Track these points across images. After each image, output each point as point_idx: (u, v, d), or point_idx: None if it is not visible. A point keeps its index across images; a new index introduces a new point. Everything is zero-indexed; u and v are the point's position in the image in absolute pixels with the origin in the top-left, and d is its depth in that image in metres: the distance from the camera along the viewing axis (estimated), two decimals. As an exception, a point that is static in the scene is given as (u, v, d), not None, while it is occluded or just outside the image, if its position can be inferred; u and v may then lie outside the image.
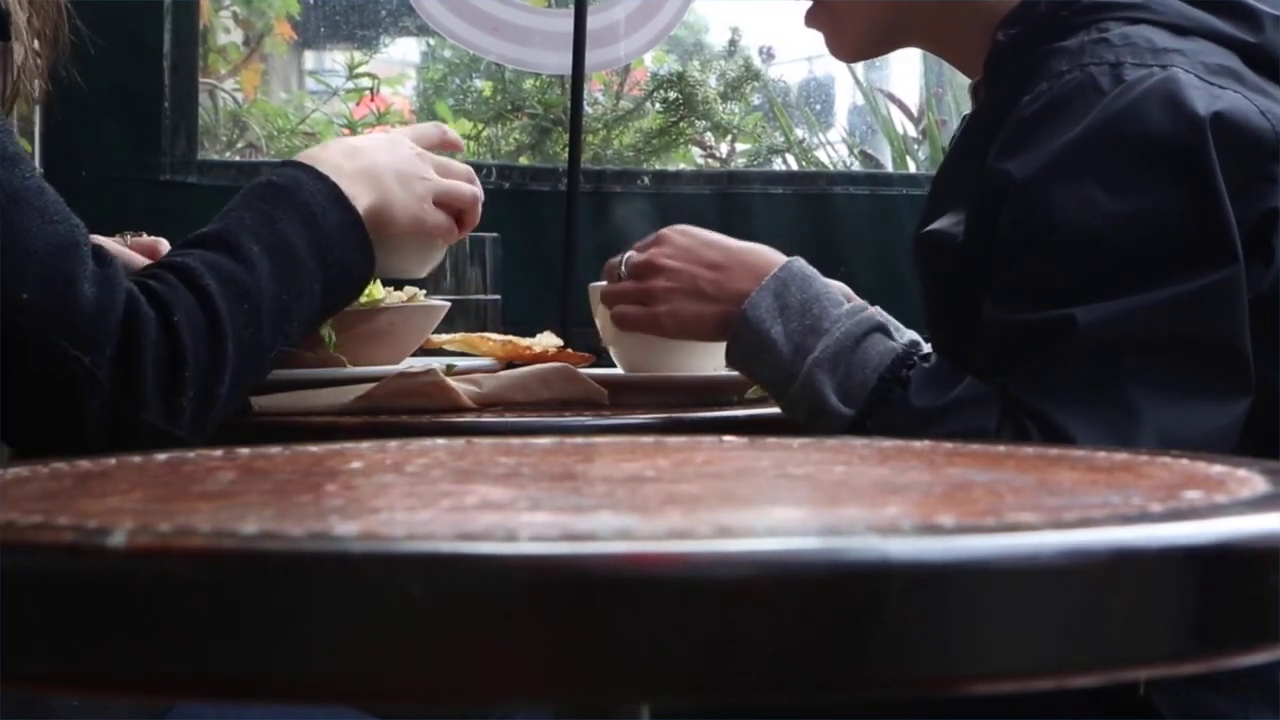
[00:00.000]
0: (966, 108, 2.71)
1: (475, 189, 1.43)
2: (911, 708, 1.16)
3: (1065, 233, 1.20)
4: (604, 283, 1.51)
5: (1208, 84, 1.20)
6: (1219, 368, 1.19)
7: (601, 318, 1.52)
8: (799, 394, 1.28)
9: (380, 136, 1.44)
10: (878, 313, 1.30)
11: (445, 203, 1.40)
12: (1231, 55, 1.25)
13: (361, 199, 1.30)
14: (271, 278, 1.20)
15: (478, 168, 2.49)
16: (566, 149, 2.34)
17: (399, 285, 1.52)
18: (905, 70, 3.44)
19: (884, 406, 1.24)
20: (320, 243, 1.25)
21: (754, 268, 1.34)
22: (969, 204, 1.28)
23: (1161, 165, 1.19)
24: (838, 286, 1.35)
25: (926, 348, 1.29)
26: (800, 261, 1.34)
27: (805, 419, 1.30)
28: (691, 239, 1.39)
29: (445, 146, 1.47)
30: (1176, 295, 1.17)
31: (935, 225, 1.33)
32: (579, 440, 0.89)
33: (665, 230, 1.41)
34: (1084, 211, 1.19)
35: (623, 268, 1.42)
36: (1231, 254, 1.17)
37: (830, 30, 1.44)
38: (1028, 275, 1.22)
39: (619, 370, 1.55)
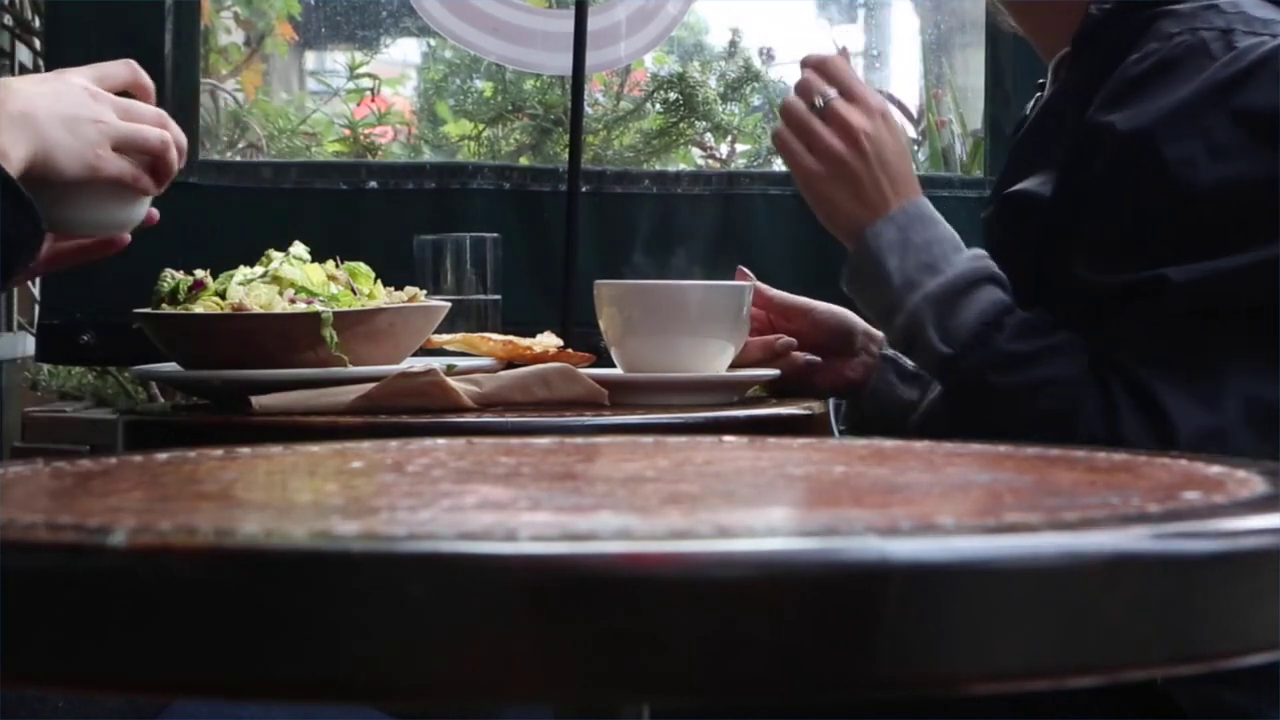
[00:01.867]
0: (966, 108, 2.69)
1: (165, 134, 1.32)
2: (911, 708, 1.17)
3: (1164, 190, 1.22)
4: (610, 280, 1.52)
5: None
6: None
7: (605, 317, 1.53)
8: (902, 324, 1.31)
9: (45, 76, 1.31)
10: (991, 265, 1.32)
11: (129, 148, 1.29)
12: None
13: (15, 150, 1.19)
14: None
15: (478, 168, 2.49)
16: (566, 149, 2.34)
17: (399, 285, 1.52)
18: (905, 70, 3.44)
19: (978, 348, 1.27)
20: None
21: (904, 181, 1.34)
22: (1062, 161, 1.30)
23: (1265, 133, 1.21)
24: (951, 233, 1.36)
25: None
26: (928, 202, 1.35)
27: (903, 349, 1.35)
28: (889, 130, 1.35)
29: (135, 89, 1.35)
30: (1264, 261, 1.19)
31: (1020, 186, 1.35)
32: (579, 440, 0.89)
33: (878, 100, 1.37)
34: (1186, 170, 1.21)
35: (819, 100, 1.35)
36: None
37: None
38: (1123, 230, 1.25)
39: (619, 370, 1.55)
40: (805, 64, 1.38)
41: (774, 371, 1.53)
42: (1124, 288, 1.23)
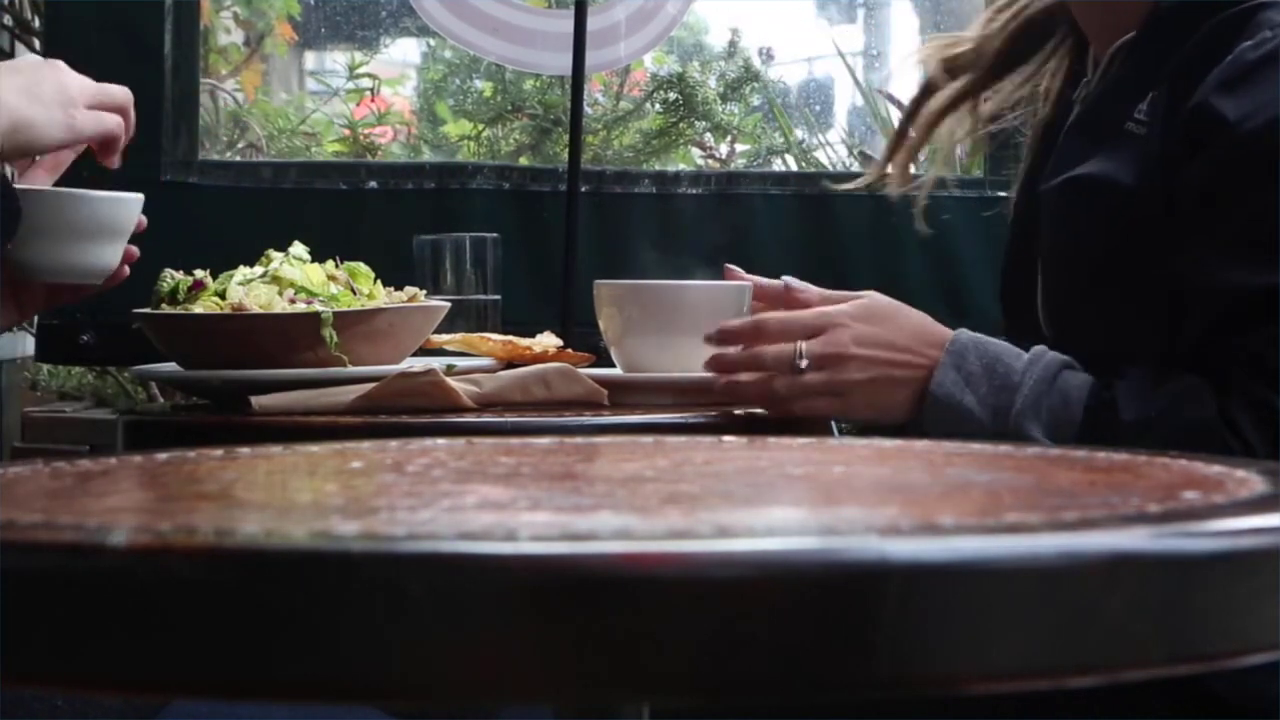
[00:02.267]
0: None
1: (128, 90, 1.32)
2: (911, 708, 1.17)
3: None
4: (610, 280, 1.53)
5: None
6: None
7: (605, 317, 1.53)
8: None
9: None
10: (1057, 355, 1.29)
11: (101, 105, 1.28)
12: None
13: None
14: None
15: (478, 168, 2.49)
16: (566, 149, 2.34)
17: (399, 285, 1.52)
18: (905, 70, 3.44)
19: (1097, 433, 1.22)
20: None
21: (930, 338, 1.32)
22: (1159, 151, 1.28)
23: None
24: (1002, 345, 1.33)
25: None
26: (967, 332, 1.32)
27: None
28: (868, 321, 1.33)
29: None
30: None
31: (1084, 170, 1.33)
32: (579, 440, 0.89)
33: (839, 313, 1.33)
34: None
35: (802, 360, 1.31)
36: None
37: None
38: (1243, 226, 1.23)
39: (619, 370, 1.55)
40: (734, 336, 1.35)
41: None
42: (1254, 296, 1.20)
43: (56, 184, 1.41)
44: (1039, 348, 1.30)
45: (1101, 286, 1.33)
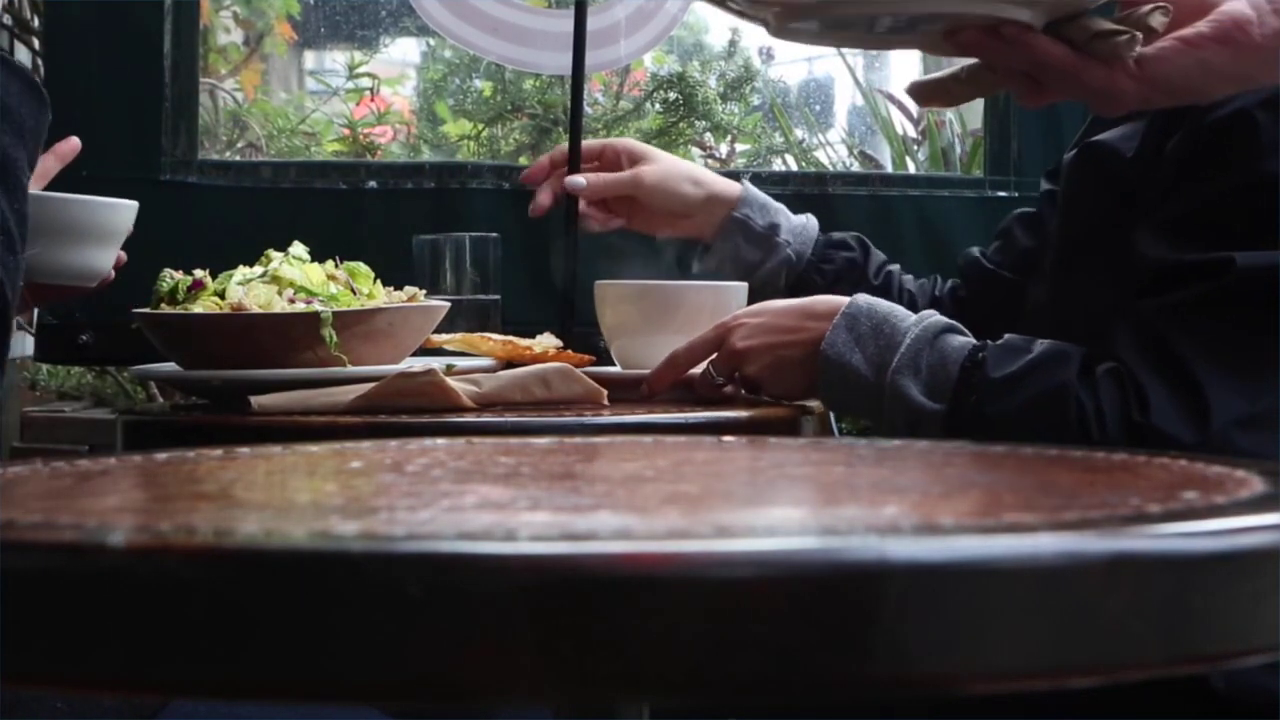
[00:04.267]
0: (966, 108, 2.69)
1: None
2: (911, 707, 1.17)
3: (1253, 172, 1.22)
4: (611, 281, 1.60)
5: None
6: None
7: (605, 317, 1.54)
8: (891, 407, 1.32)
9: None
10: (943, 318, 1.34)
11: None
12: None
13: None
14: (6, 194, 1.17)
15: (478, 168, 2.49)
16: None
17: (399, 285, 1.52)
18: (905, 70, 3.44)
19: (967, 390, 1.28)
20: (18, 127, 1.21)
21: (818, 310, 1.40)
22: (1146, 126, 1.31)
23: None
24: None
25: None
26: (864, 296, 1.39)
27: (904, 430, 1.33)
28: (755, 315, 1.44)
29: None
30: None
31: (1103, 136, 1.37)
32: (579, 440, 0.89)
33: (730, 319, 1.46)
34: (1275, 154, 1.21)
35: (716, 378, 1.46)
36: None
37: None
38: (1185, 206, 1.26)
39: (619, 370, 1.56)
40: (659, 382, 1.48)
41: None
42: (1191, 266, 1.23)
43: (46, 189, 1.44)
44: (929, 311, 1.37)
45: (1087, 254, 1.35)
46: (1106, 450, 0.82)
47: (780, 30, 1.07)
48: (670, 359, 1.47)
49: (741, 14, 1.09)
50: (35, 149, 1.24)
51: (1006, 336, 1.30)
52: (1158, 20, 1.02)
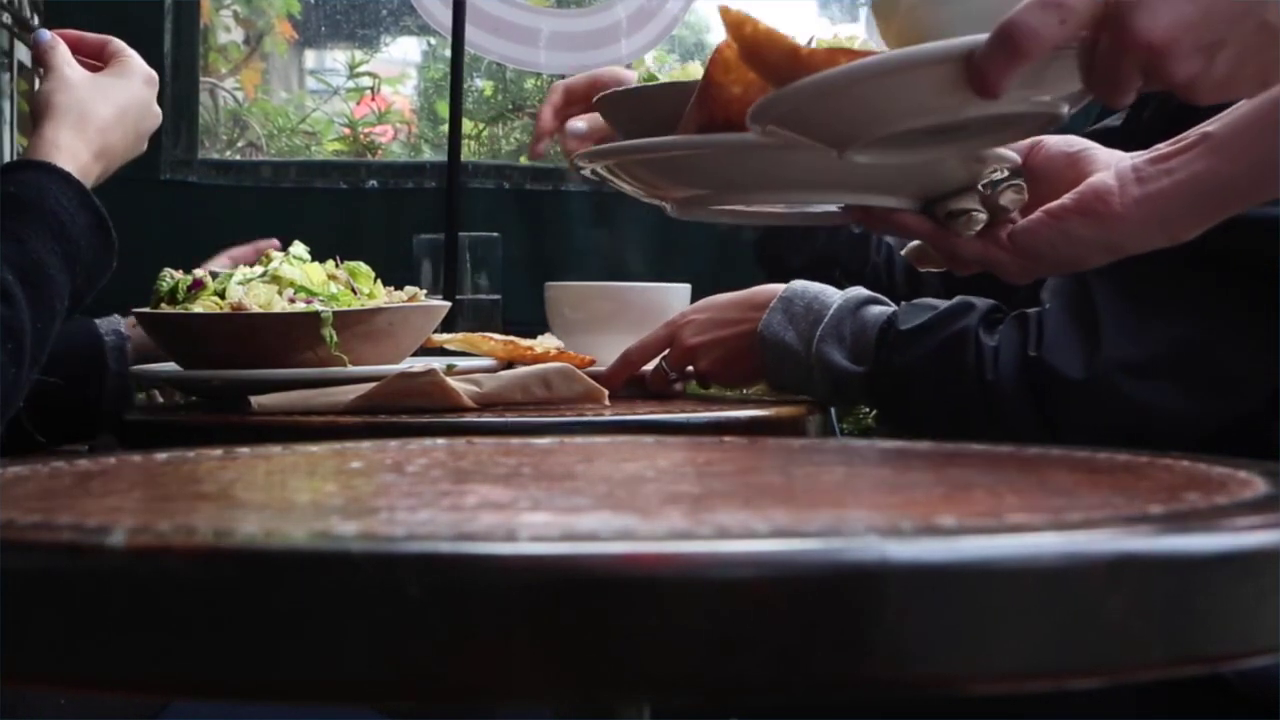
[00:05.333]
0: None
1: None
2: (912, 708, 1.17)
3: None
4: (561, 283, 1.69)
5: None
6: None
7: (558, 317, 1.67)
8: (820, 376, 1.40)
9: (118, 97, 1.37)
10: (866, 291, 1.43)
11: None
12: None
13: (98, 173, 1.29)
14: (30, 306, 1.17)
15: (478, 167, 2.49)
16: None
17: (399, 285, 1.52)
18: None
19: (884, 347, 1.36)
20: (70, 254, 1.21)
21: (759, 299, 1.47)
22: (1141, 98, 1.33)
23: None
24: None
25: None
26: (801, 281, 1.47)
27: (831, 398, 1.42)
28: (702, 311, 1.51)
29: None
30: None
31: (1111, 121, 1.40)
32: (579, 440, 0.89)
33: (678, 317, 1.53)
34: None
35: (670, 374, 1.53)
36: None
37: None
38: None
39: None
40: (614, 379, 1.53)
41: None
42: None
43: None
44: (855, 287, 1.44)
45: None
46: (1109, 451, 0.82)
47: (680, 213, 1.19)
48: (624, 357, 1.53)
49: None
50: (86, 284, 1.24)
51: (919, 299, 1.38)
52: (1008, 199, 1.09)
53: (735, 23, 0.94)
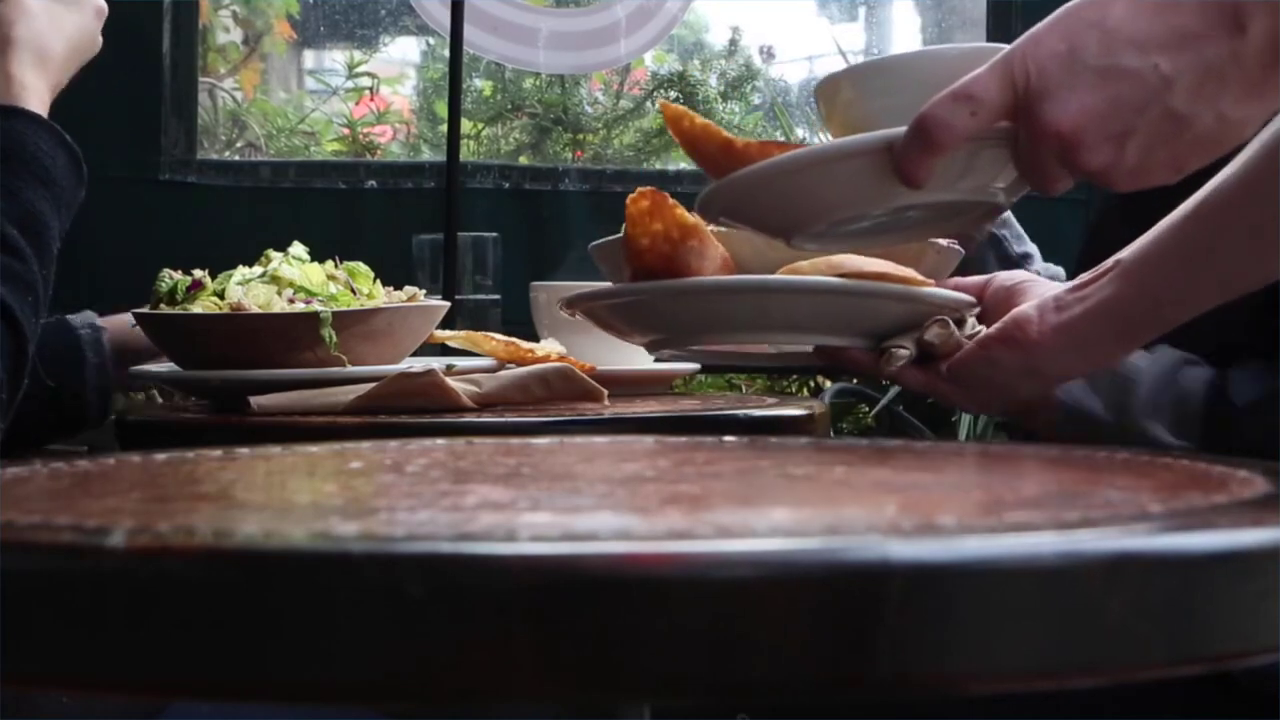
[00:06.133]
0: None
1: None
2: (912, 708, 1.17)
3: None
4: (546, 283, 1.67)
5: None
6: None
7: (544, 317, 1.66)
8: (1135, 443, 1.25)
9: (71, 30, 1.36)
10: (1169, 350, 1.27)
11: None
12: None
13: (39, 92, 1.29)
14: (37, 256, 1.20)
15: (478, 167, 2.49)
16: (568, 148, 2.34)
17: (399, 285, 1.52)
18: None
19: (1218, 425, 1.23)
20: (57, 198, 1.24)
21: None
22: None
23: None
24: None
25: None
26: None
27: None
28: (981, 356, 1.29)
29: None
30: None
31: None
32: (579, 440, 0.89)
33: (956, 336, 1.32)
34: None
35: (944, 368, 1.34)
36: None
37: None
38: None
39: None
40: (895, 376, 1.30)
41: (693, 366, 1.67)
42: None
43: None
44: (1162, 345, 1.28)
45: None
46: (1109, 450, 0.82)
47: (654, 353, 1.25)
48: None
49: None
50: (67, 220, 1.27)
51: (1249, 363, 1.25)
52: (932, 333, 1.12)
53: (674, 117, 1.00)
